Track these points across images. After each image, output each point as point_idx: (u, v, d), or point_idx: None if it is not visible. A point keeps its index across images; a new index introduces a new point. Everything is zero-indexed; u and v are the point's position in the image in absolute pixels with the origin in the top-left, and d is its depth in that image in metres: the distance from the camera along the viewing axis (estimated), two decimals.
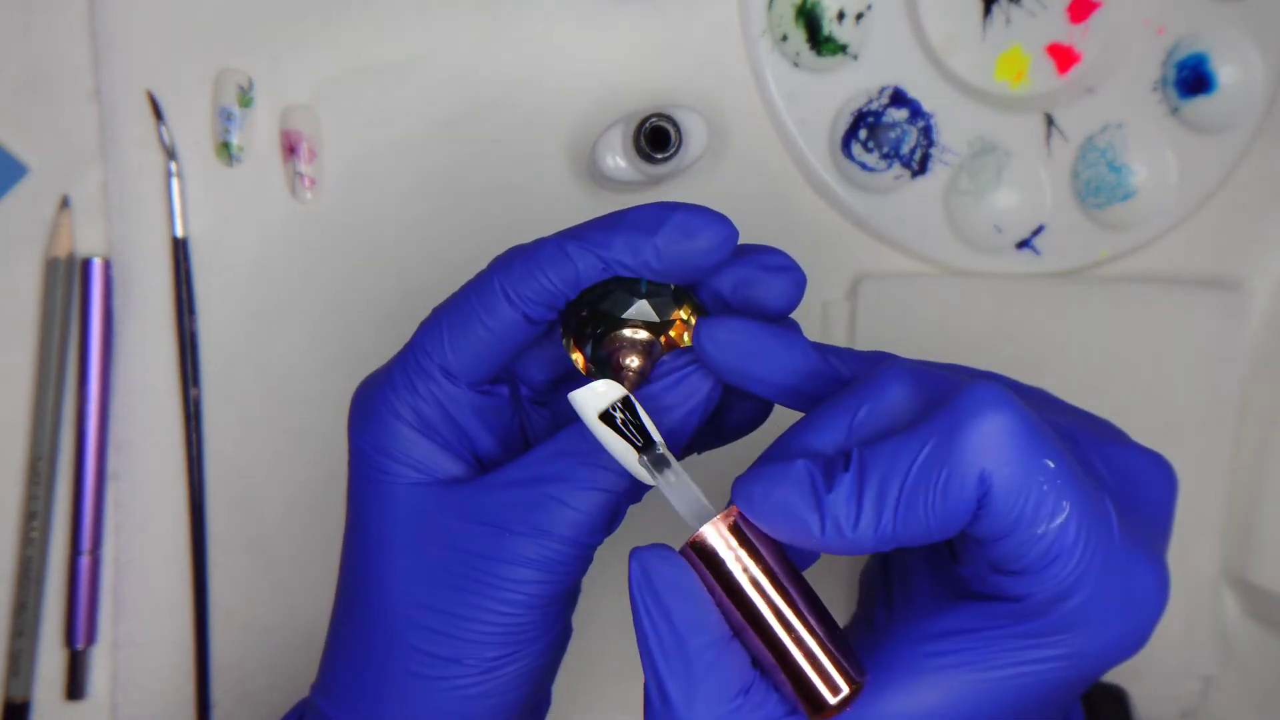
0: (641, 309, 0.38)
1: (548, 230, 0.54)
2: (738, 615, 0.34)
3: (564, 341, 0.40)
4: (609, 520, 0.38)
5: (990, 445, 0.33)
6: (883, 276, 0.55)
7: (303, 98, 0.53)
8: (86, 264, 0.53)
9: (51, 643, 0.53)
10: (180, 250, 0.53)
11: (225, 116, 0.53)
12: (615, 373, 0.38)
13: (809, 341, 0.38)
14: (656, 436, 0.36)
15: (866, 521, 0.33)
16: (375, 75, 0.54)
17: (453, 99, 0.54)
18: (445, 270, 0.54)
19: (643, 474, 0.36)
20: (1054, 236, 0.55)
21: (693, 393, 0.38)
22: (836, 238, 0.55)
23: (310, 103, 0.53)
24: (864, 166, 0.54)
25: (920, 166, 0.54)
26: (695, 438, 0.41)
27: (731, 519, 0.34)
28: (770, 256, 0.39)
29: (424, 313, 0.54)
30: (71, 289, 0.53)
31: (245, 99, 0.53)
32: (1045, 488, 0.33)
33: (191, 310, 0.53)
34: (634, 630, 0.35)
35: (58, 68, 0.53)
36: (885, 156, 0.54)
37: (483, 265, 0.54)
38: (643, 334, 0.38)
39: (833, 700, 0.34)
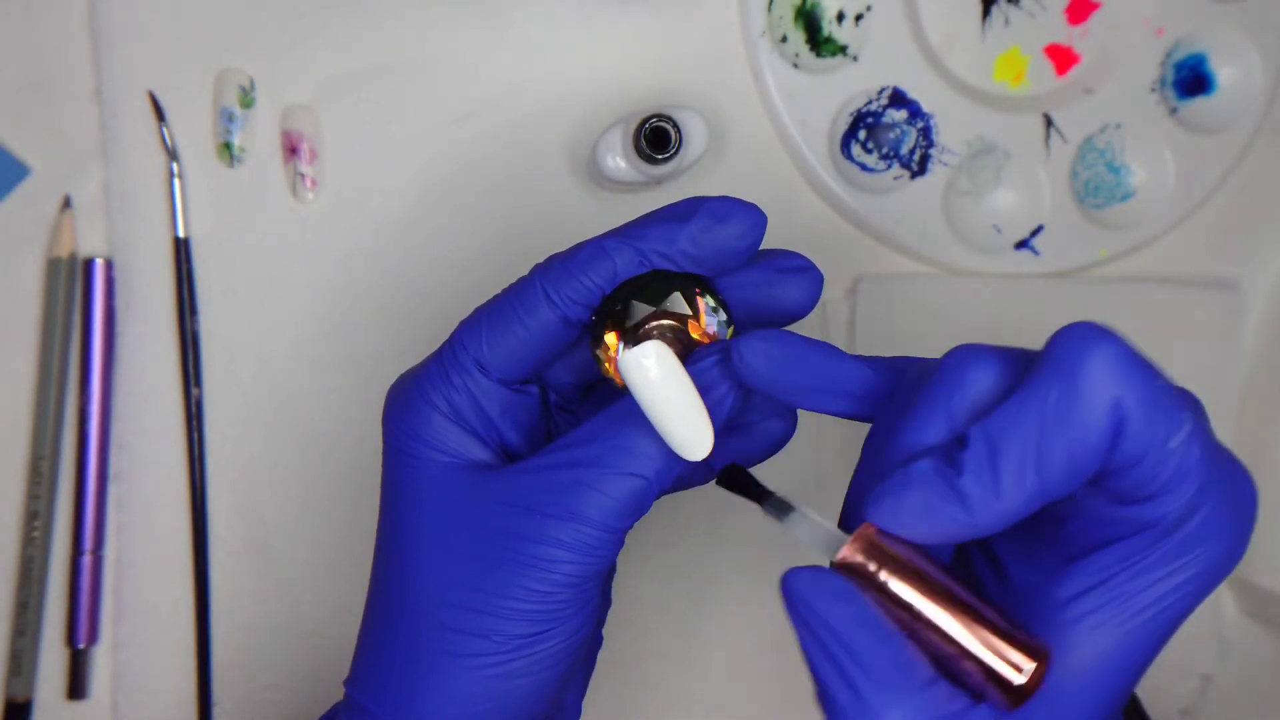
0: (675, 300, 0.39)
1: (548, 231, 0.54)
2: (906, 619, 0.35)
3: (594, 337, 0.40)
4: (638, 504, 0.39)
5: (1114, 372, 0.33)
6: (882, 276, 0.55)
7: (304, 98, 0.54)
8: (88, 264, 0.53)
9: (53, 642, 0.53)
10: (182, 250, 0.53)
11: (226, 117, 0.53)
12: None
13: (838, 349, 0.39)
14: (657, 407, 0.37)
15: (1008, 487, 0.33)
16: (376, 75, 0.54)
17: (453, 99, 0.54)
18: (446, 270, 0.54)
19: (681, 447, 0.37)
20: (1053, 236, 0.55)
21: (724, 378, 0.39)
22: (836, 238, 0.55)
23: (311, 103, 0.54)
24: (863, 167, 0.54)
25: (919, 167, 0.54)
26: (721, 454, 0.42)
27: (869, 535, 0.35)
28: (789, 259, 0.41)
29: (425, 312, 0.54)
30: (73, 289, 0.53)
31: (246, 99, 0.53)
32: (1168, 403, 0.34)
33: (193, 310, 0.53)
34: (801, 647, 0.35)
35: (59, 68, 0.53)
36: (885, 157, 0.54)
37: (483, 265, 0.54)
38: (676, 324, 0.40)
39: (1022, 679, 0.34)
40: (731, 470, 0.38)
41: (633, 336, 0.39)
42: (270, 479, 0.54)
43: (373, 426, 0.54)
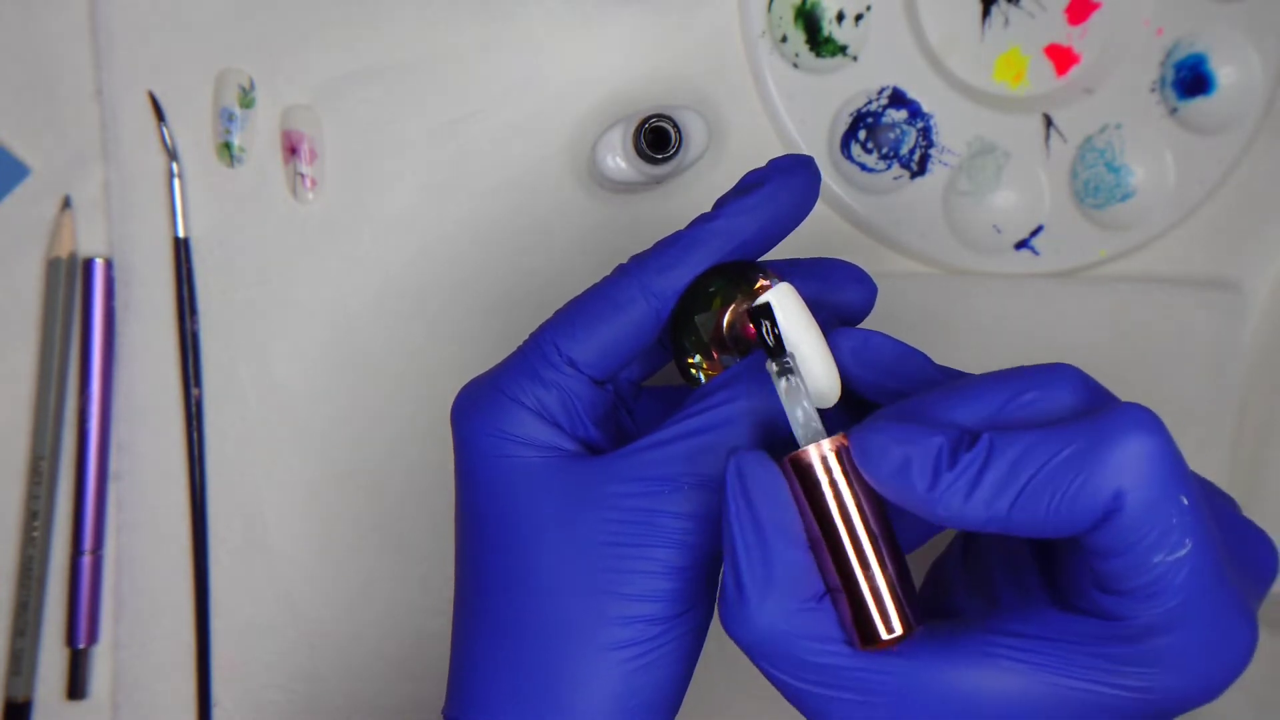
0: (751, 286, 0.40)
1: (548, 231, 0.55)
2: (817, 532, 0.36)
3: (681, 338, 0.41)
4: None
5: (1135, 465, 0.33)
6: (882, 276, 0.55)
7: (304, 98, 0.54)
8: (88, 264, 0.53)
9: (53, 642, 0.53)
10: (182, 250, 0.53)
11: (226, 117, 0.53)
12: (750, 340, 0.40)
13: (932, 360, 0.40)
14: (788, 347, 0.38)
15: (978, 502, 0.34)
16: (376, 75, 0.54)
17: (453, 99, 0.54)
18: (445, 270, 0.54)
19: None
20: (1053, 237, 0.55)
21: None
22: (836, 238, 0.55)
23: (311, 103, 0.54)
24: (863, 167, 0.54)
25: (919, 167, 0.55)
26: None
27: (837, 445, 0.36)
28: (846, 269, 0.43)
29: (425, 312, 0.54)
30: (73, 289, 0.53)
31: (246, 99, 0.53)
32: (1174, 520, 0.34)
33: (193, 310, 0.53)
34: (722, 526, 0.37)
35: (59, 68, 0.53)
36: (884, 157, 0.54)
37: (483, 265, 0.54)
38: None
39: (885, 635, 0.35)
40: (764, 309, 0.38)
41: (721, 334, 0.40)
42: (270, 479, 0.54)
43: (372, 426, 0.54)
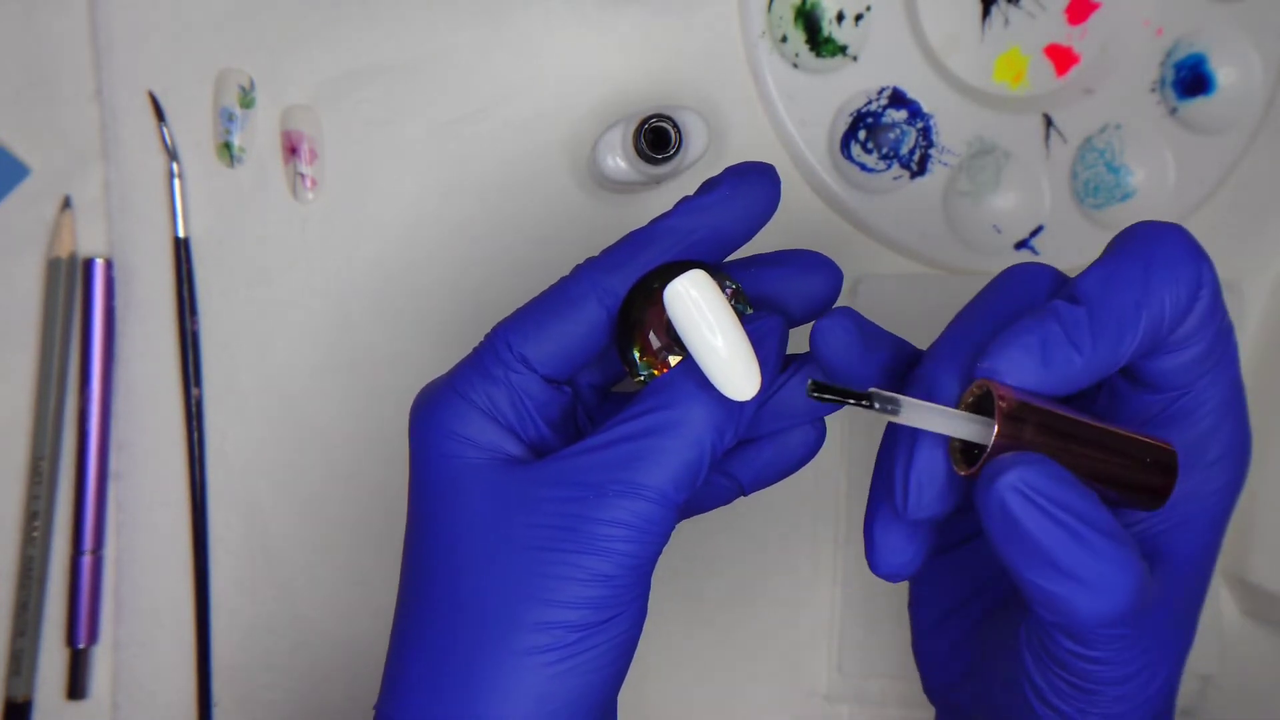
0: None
1: (548, 231, 0.55)
2: (1068, 460, 0.36)
3: (624, 337, 0.40)
4: (693, 474, 0.39)
5: (1197, 246, 0.39)
6: (882, 277, 0.55)
7: (304, 98, 0.54)
8: (88, 264, 0.53)
9: (53, 642, 0.54)
10: (182, 250, 0.53)
11: (226, 117, 0.53)
12: None
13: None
14: (696, 341, 0.37)
15: (1116, 333, 0.37)
16: (376, 75, 0.54)
17: (453, 99, 0.54)
18: (445, 270, 0.54)
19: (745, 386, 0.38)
20: (1053, 237, 0.55)
21: (770, 333, 0.40)
22: (836, 238, 0.55)
23: (311, 103, 0.54)
24: (863, 167, 0.54)
25: (919, 167, 0.55)
26: (752, 464, 0.43)
27: (1009, 401, 0.35)
28: (808, 257, 0.42)
29: (425, 312, 0.54)
30: (73, 289, 0.53)
31: (246, 99, 0.53)
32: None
33: (193, 310, 0.53)
34: (1027, 542, 0.35)
35: (59, 69, 0.53)
36: (884, 157, 0.54)
37: (483, 265, 0.54)
38: None
39: (1165, 482, 0.37)
40: (820, 384, 0.37)
41: (663, 332, 0.39)
42: (270, 479, 0.54)
43: (372, 426, 0.54)
